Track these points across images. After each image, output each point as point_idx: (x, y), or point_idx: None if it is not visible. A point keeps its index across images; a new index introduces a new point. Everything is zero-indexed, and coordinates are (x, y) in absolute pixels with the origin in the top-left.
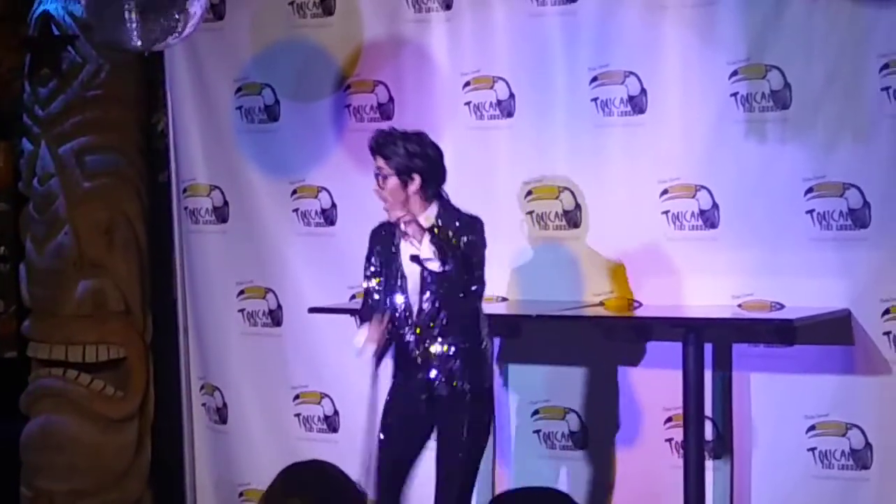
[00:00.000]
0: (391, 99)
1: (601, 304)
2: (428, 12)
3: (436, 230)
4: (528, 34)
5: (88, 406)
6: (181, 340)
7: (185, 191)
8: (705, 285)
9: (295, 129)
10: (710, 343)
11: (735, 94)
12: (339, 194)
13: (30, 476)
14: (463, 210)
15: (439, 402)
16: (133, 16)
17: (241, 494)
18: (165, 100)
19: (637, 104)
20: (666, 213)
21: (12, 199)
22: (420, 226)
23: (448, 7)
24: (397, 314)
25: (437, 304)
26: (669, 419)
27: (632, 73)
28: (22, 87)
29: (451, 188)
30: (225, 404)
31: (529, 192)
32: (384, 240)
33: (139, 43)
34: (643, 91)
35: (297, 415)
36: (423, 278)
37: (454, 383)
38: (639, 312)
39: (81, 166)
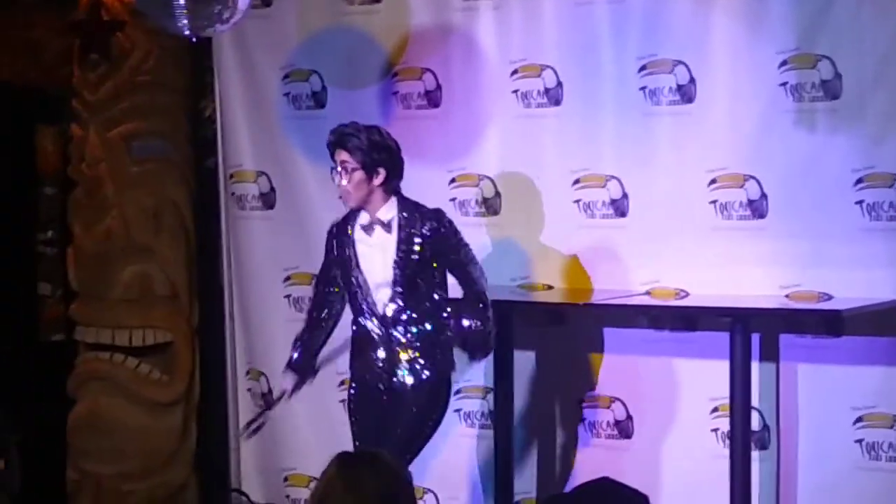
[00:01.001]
0: (438, 86)
1: (648, 293)
2: (476, 0)
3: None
4: (576, 22)
5: (135, 390)
6: (227, 326)
7: (231, 177)
8: (753, 275)
9: (342, 115)
10: (758, 333)
11: (784, 84)
12: None
13: (76, 459)
14: (422, 203)
15: (397, 393)
16: (181, 2)
17: (285, 479)
18: (213, 86)
19: (686, 93)
20: (714, 202)
21: (61, 183)
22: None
23: None
24: (364, 312)
25: (401, 297)
26: (716, 409)
27: (680, 62)
28: (71, 72)
29: (497, 175)
30: (270, 390)
31: (576, 181)
32: (339, 242)
33: (187, 29)
34: (692, 80)
35: (342, 401)
36: (387, 270)
37: (416, 373)
38: (686, 302)
39: (129, 151)
